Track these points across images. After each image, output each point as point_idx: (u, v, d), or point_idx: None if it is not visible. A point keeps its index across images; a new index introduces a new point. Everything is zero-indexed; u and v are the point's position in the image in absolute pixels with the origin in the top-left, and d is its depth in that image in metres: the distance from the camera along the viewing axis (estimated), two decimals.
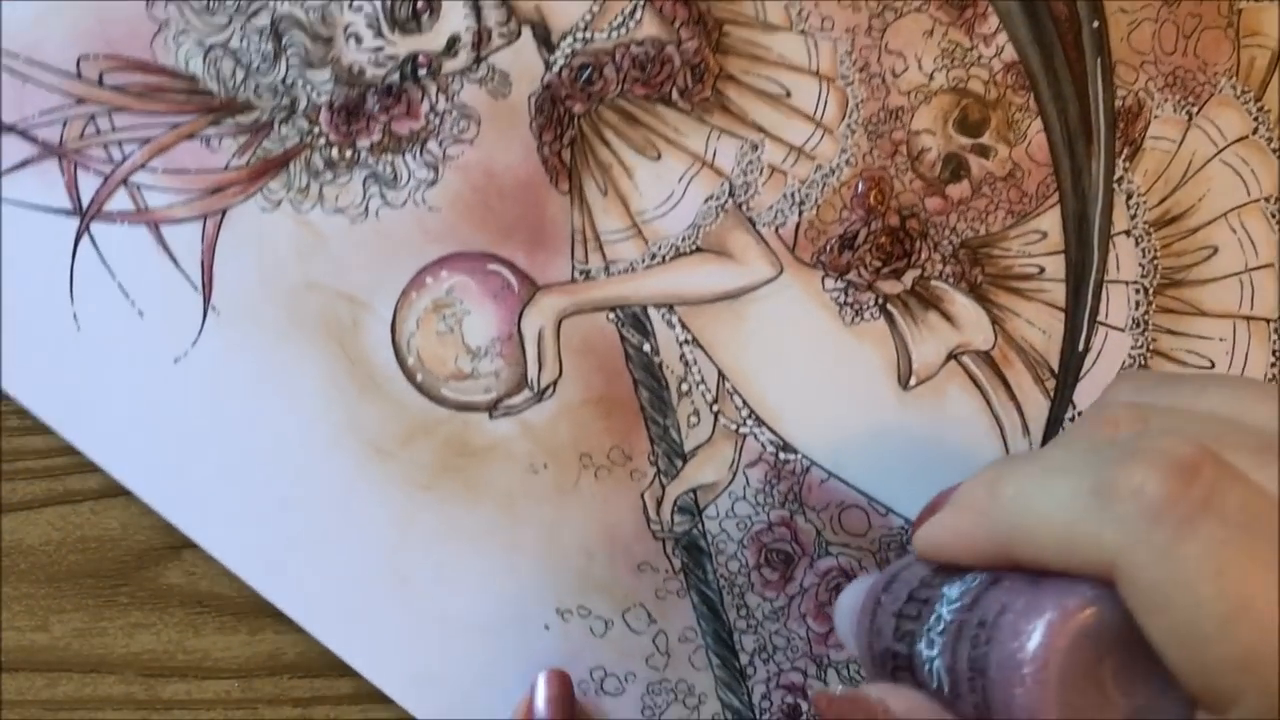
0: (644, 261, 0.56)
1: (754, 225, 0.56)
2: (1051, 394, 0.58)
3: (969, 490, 0.40)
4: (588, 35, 0.55)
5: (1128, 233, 0.58)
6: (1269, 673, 0.32)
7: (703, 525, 0.57)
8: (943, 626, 0.38)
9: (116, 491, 0.55)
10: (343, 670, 0.56)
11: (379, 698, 0.56)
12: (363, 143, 0.54)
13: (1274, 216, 0.59)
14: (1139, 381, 0.43)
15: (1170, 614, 0.34)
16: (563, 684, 0.56)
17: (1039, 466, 0.38)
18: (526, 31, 0.55)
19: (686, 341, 0.56)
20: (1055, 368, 0.58)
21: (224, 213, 0.54)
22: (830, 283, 0.57)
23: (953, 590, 0.39)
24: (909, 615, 0.40)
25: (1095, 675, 0.35)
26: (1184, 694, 0.34)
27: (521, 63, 0.55)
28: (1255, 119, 0.59)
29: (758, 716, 0.57)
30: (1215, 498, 0.34)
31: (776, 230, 0.56)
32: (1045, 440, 0.58)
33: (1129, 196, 0.58)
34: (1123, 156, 0.58)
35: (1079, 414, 0.58)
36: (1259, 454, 0.36)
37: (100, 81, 0.53)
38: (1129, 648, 0.35)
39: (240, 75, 0.54)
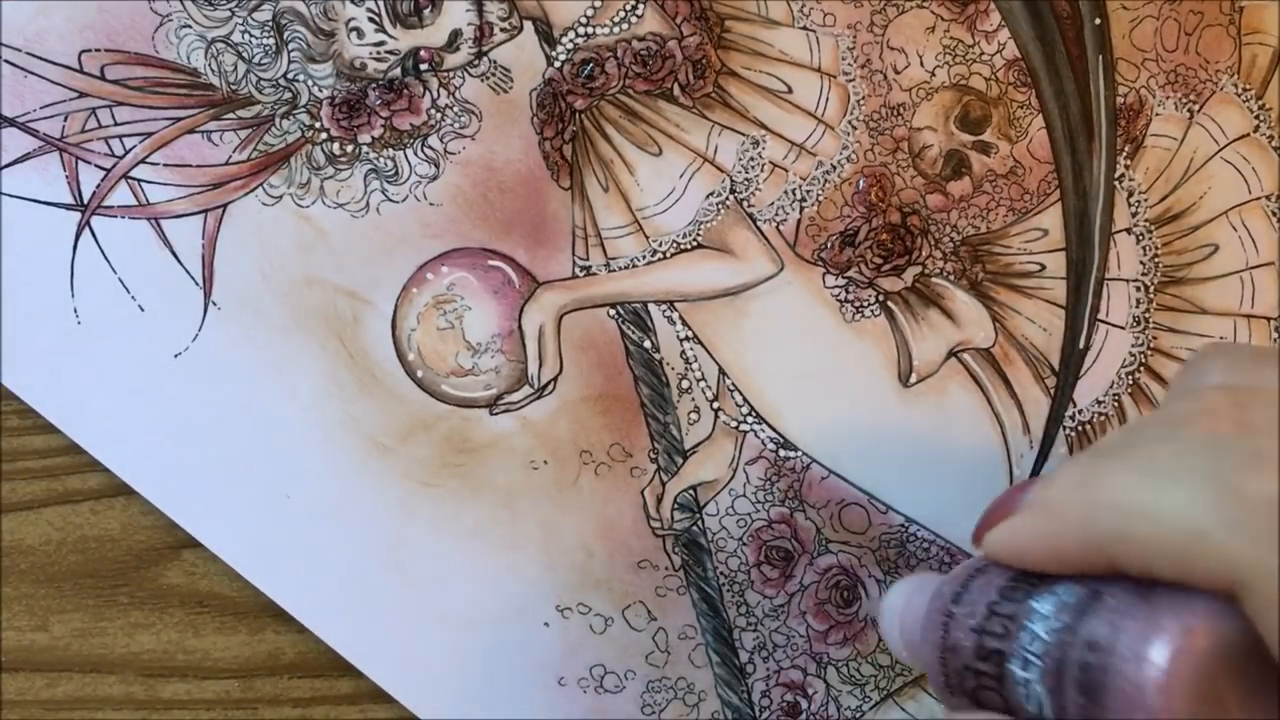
0: (645, 258, 0.56)
1: (755, 222, 0.56)
2: (1052, 391, 0.58)
3: (1054, 493, 0.38)
4: (589, 30, 0.55)
5: (1129, 230, 0.58)
6: None
7: (703, 522, 0.57)
8: (1041, 647, 0.36)
9: (116, 491, 0.55)
10: (342, 670, 0.56)
11: (378, 697, 0.56)
12: (364, 138, 0.54)
13: (1274, 214, 0.59)
14: (1229, 359, 0.40)
15: None
16: None
17: (1143, 469, 0.36)
18: (528, 26, 0.55)
19: (687, 338, 0.56)
20: (1056, 365, 0.58)
21: (225, 207, 0.54)
22: (831, 280, 0.57)
23: (1045, 605, 0.37)
24: (994, 633, 0.38)
25: (1220, 696, 0.33)
26: None
27: (523, 58, 0.55)
28: (1256, 117, 0.59)
29: (757, 714, 0.57)
30: None
31: (777, 227, 0.56)
32: (1045, 439, 0.58)
33: (1130, 194, 0.58)
34: (1124, 154, 0.58)
35: (1079, 411, 0.58)
36: None
37: (102, 75, 0.53)
38: (1257, 665, 0.33)
39: (242, 69, 0.54)
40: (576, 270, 0.56)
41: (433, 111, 0.55)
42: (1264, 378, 0.38)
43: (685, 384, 0.56)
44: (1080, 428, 0.58)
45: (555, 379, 0.56)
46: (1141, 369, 0.58)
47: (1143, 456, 0.36)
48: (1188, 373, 0.41)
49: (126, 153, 0.53)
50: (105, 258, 0.53)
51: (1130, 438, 0.38)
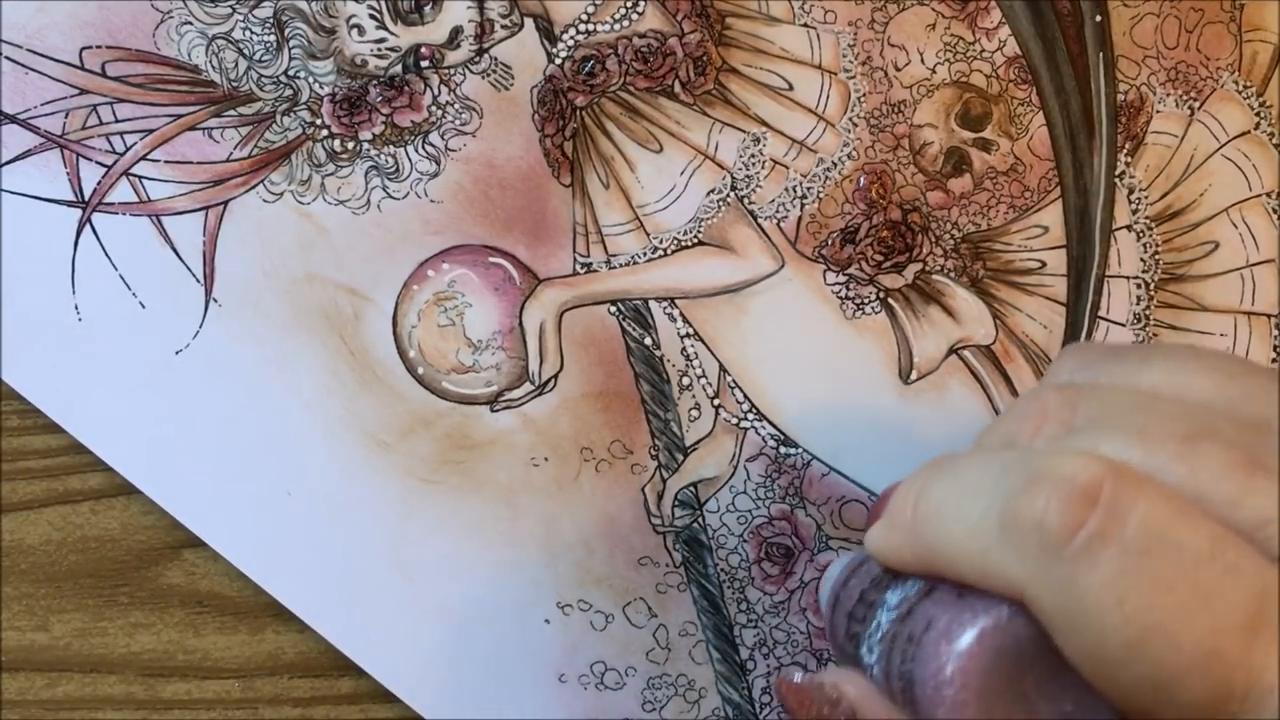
0: (645, 255, 0.56)
1: (756, 219, 0.56)
2: None
3: (899, 500, 0.40)
4: (590, 27, 0.55)
5: (1129, 228, 0.58)
6: (1181, 693, 0.33)
7: (703, 519, 0.57)
8: (880, 634, 0.39)
9: (116, 491, 0.55)
10: (343, 670, 0.56)
11: (379, 697, 0.56)
12: (365, 134, 0.54)
13: (1275, 212, 0.59)
14: (1083, 356, 0.43)
15: (1079, 640, 0.34)
16: None
17: (956, 483, 0.39)
18: (529, 23, 0.55)
19: (688, 335, 0.56)
20: None
21: (226, 204, 0.54)
22: (832, 277, 0.57)
23: (893, 597, 0.40)
24: (857, 617, 0.41)
25: (1018, 688, 0.36)
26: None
27: (524, 55, 0.55)
28: (1257, 114, 0.59)
29: (758, 711, 0.57)
30: (1114, 524, 0.34)
31: (778, 224, 0.56)
32: None
33: (1130, 191, 0.58)
34: (1124, 151, 0.58)
35: None
36: (1184, 444, 0.36)
37: (103, 72, 0.53)
38: (1051, 659, 0.36)
39: (243, 66, 0.54)
40: (577, 267, 0.56)
41: (434, 108, 0.55)
42: (1106, 373, 0.41)
43: (686, 381, 0.56)
44: None
45: (556, 376, 0.56)
46: None
47: (961, 470, 0.39)
48: (1048, 372, 0.45)
49: (127, 149, 0.53)
50: (106, 255, 0.53)
51: (975, 443, 0.43)
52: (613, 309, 0.56)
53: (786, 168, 0.56)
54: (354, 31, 0.54)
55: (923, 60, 0.57)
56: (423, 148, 0.55)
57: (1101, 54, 0.57)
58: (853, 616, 0.41)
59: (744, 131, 0.56)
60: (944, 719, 0.36)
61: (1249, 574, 0.34)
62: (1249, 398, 0.39)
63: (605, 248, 0.56)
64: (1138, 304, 0.58)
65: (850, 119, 0.56)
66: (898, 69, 0.57)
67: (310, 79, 0.54)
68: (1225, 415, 0.38)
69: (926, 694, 0.36)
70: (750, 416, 0.57)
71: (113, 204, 0.53)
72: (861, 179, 0.56)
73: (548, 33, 0.55)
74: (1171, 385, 0.39)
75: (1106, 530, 0.34)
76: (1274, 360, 0.59)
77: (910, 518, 0.39)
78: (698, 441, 0.57)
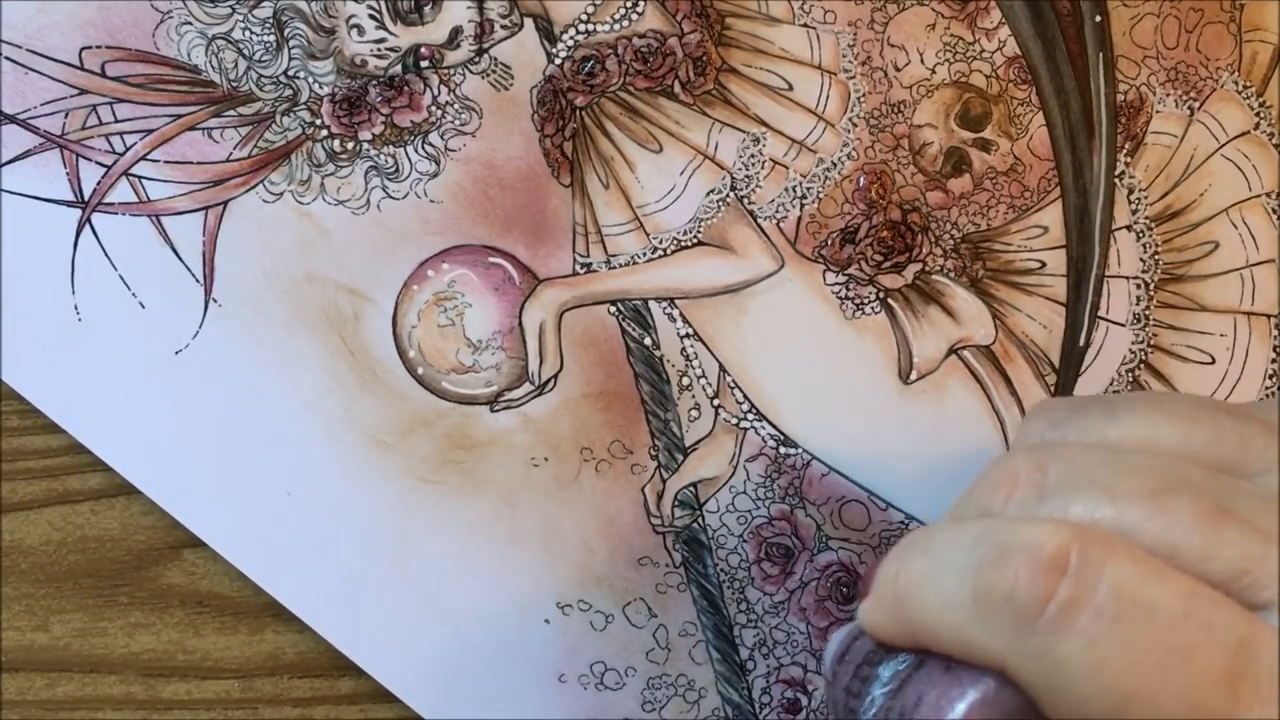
0: (645, 255, 0.56)
1: (755, 219, 0.56)
2: (1052, 389, 0.58)
3: (881, 577, 0.40)
4: (590, 27, 0.55)
5: (1129, 228, 0.58)
6: None
7: (703, 519, 0.57)
8: (875, 710, 0.39)
9: (116, 491, 0.55)
10: (343, 670, 0.56)
11: (379, 697, 0.56)
12: (364, 135, 0.54)
13: (1275, 212, 0.59)
14: (1052, 414, 0.43)
15: (1064, 709, 0.35)
16: None
17: (930, 558, 0.39)
18: (529, 23, 0.55)
19: (688, 335, 0.56)
20: (1056, 363, 0.58)
21: (226, 204, 0.54)
22: (831, 277, 0.57)
23: (885, 671, 0.40)
24: (853, 692, 0.41)
25: None
26: None
27: (524, 55, 0.55)
28: (1257, 114, 0.59)
29: (758, 711, 0.57)
30: (1084, 592, 0.34)
31: (778, 224, 0.56)
32: None
33: (1130, 191, 0.58)
34: (1124, 151, 0.58)
35: None
36: (1151, 499, 0.36)
37: (102, 72, 0.53)
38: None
39: (242, 66, 0.54)
40: (577, 267, 0.56)
41: (433, 108, 0.55)
42: (1074, 430, 0.42)
43: (686, 381, 0.56)
44: None
45: (556, 376, 0.56)
46: (1142, 366, 0.58)
47: (934, 544, 0.39)
48: (1019, 433, 0.45)
49: (127, 150, 0.53)
50: (106, 255, 0.53)
51: (950, 513, 0.43)
52: (613, 309, 0.56)
53: (786, 168, 0.56)
54: (354, 31, 0.54)
55: (923, 60, 0.57)
56: (422, 148, 0.55)
57: (1101, 54, 0.57)
58: (849, 691, 0.41)
59: (744, 131, 0.56)
60: None
61: (1224, 627, 0.34)
62: (1217, 440, 0.39)
63: (605, 248, 0.56)
64: (1138, 304, 0.58)
65: (850, 119, 0.56)
66: (898, 69, 0.57)
67: (310, 79, 0.54)
68: (1194, 462, 0.38)
69: None
70: (750, 416, 0.57)
71: (113, 204, 0.53)
72: (861, 179, 0.56)
73: (547, 33, 0.55)
74: (1138, 437, 0.40)
75: (1077, 598, 0.34)
76: (1274, 361, 0.59)
77: (891, 595, 0.39)
78: (698, 441, 0.57)
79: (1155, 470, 0.37)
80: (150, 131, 0.54)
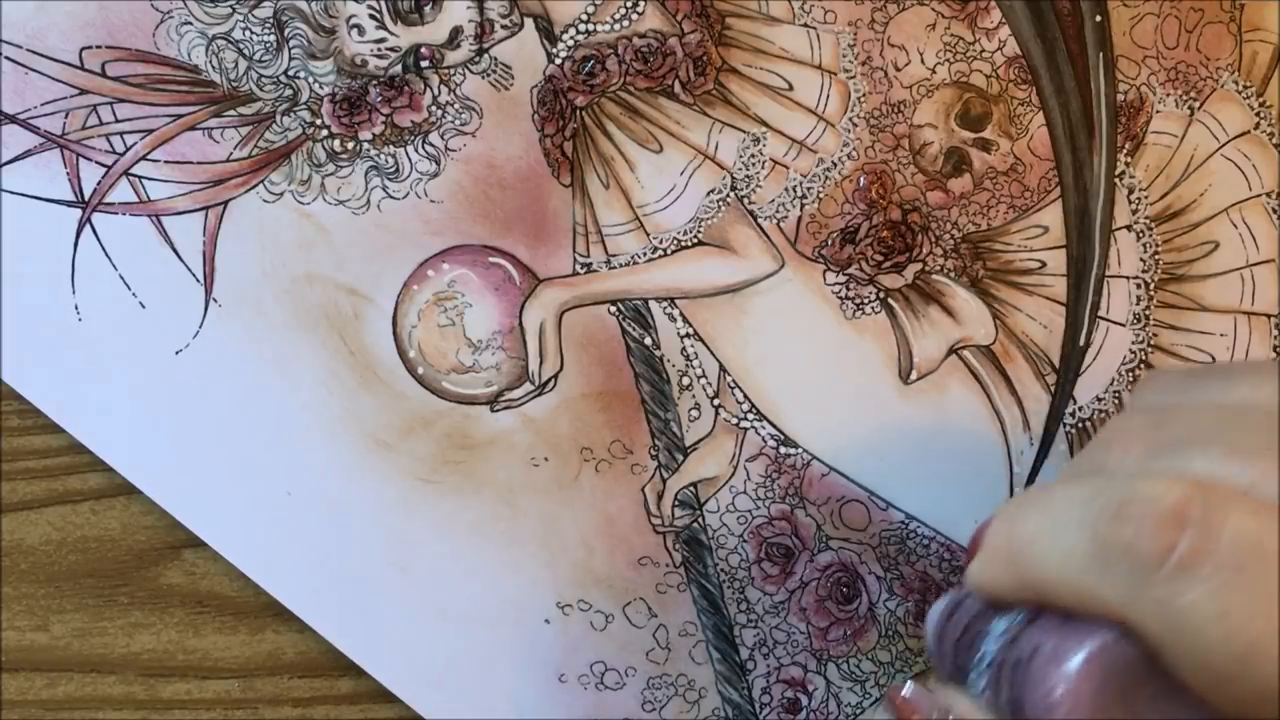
0: (645, 255, 0.56)
1: (756, 219, 0.56)
2: (1052, 389, 0.58)
3: (994, 535, 0.40)
4: (590, 27, 0.55)
5: (1129, 228, 0.58)
6: None
7: (703, 519, 0.57)
8: (988, 662, 0.39)
9: (116, 491, 0.55)
10: (343, 670, 0.56)
11: (379, 697, 0.56)
12: (365, 134, 0.54)
13: (1275, 212, 0.59)
14: (1166, 380, 0.43)
15: (1185, 659, 0.34)
16: None
17: (1047, 514, 0.39)
18: (529, 23, 0.55)
19: (688, 335, 0.56)
20: (1056, 363, 0.58)
21: (226, 204, 0.54)
22: (832, 277, 0.57)
23: (999, 626, 0.40)
24: (964, 646, 0.41)
25: (1129, 708, 0.36)
26: None
27: (524, 55, 0.55)
28: (1257, 114, 0.59)
29: (758, 711, 0.57)
30: (1206, 542, 0.34)
31: (778, 224, 0.56)
32: (1045, 436, 0.58)
33: (1130, 191, 0.58)
34: (1124, 151, 0.58)
35: (1080, 409, 0.58)
36: (1270, 457, 0.36)
37: (103, 72, 0.53)
38: (1160, 677, 0.35)
39: (243, 66, 0.54)
40: (577, 267, 0.56)
41: (434, 108, 0.55)
42: (1190, 394, 0.41)
43: (686, 381, 0.56)
44: (1081, 425, 0.58)
45: (556, 376, 0.56)
46: (1142, 366, 0.58)
47: (1052, 499, 0.39)
48: (1131, 398, 0.45)
49: (127, 149, 0.53)
50: (106, 254, 0.53)
51: (1066, 470, 0.43)
52: (613, 309, 0.56)
53: (786, 168, 0.56)
54: (354, 31, 0.54)
55: (923, 60, 0.57)
56: (423, 148, 0.55)
57: (1101, 54, 0.57)
58: (959, 648, 0.41)
59: (744, 131, 0.56)
60: None
61: None
62: None
63: (605, 248, 0.56)
64: (1138, 304, 0.58)
65: (850, 119, 0.56)
66: (898, 69, 0.57)
67: (310, 79, 0.54)
68: None
69: (1037, 717, 0.36)
70: (750, 416, 0.57)
71: (113, 204, 0.54)
72: (861, 179, 0.56)
73: (548, 33, 0.55)
74: (1258, 400, 0.39)
75: (1199, 549, 0.34)
76: (1274, 360, 0.59)
77: (1006, 551, 0.39)
78: (698, 441, 0.57)
79: (1275, 429, 0.37)
80: (150, 131, 0.54)
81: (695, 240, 0.56)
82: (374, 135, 0.54)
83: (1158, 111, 0.58)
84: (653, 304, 0.56)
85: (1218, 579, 0.34)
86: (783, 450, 0.57)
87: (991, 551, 0.40)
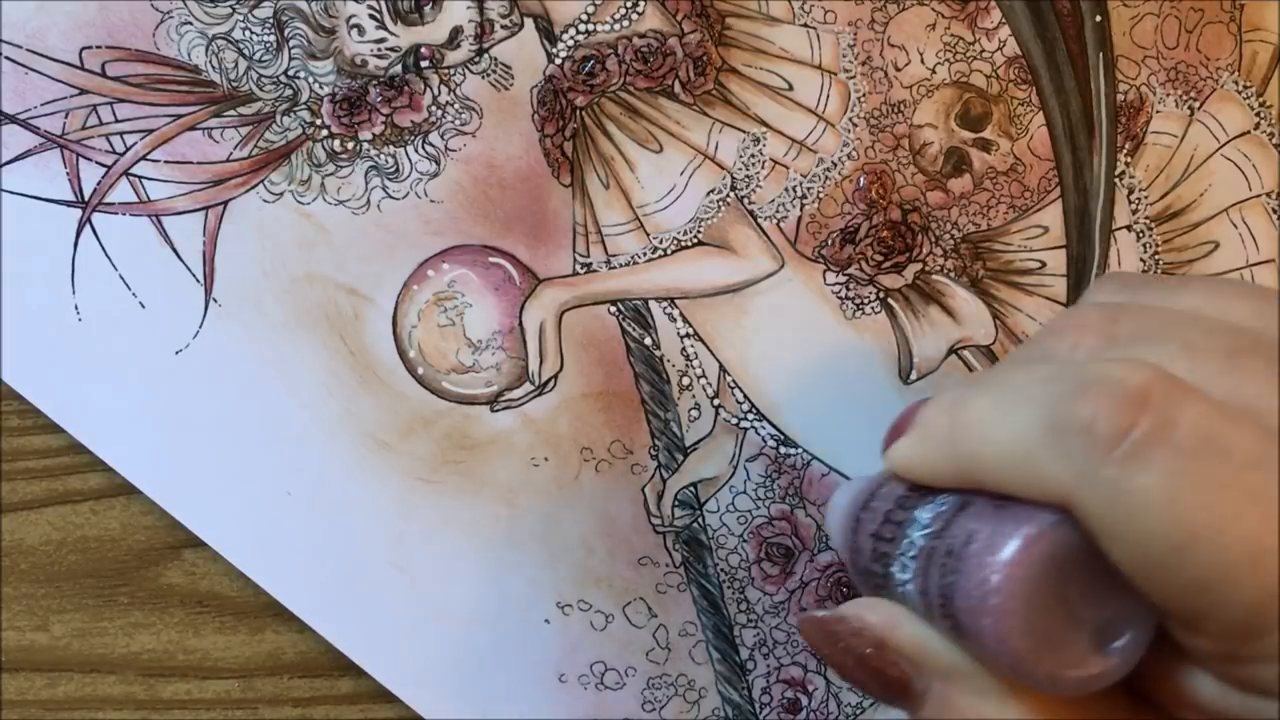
0: (645, 255, 0.56)
1: (756, 219, 0.56)
2: None
3: (933, 414, 0.40)
4: (590, 27, 0.55)
5: (1129, 228, 0.58)
6: (1230, 592, 0.33)
7: (703, 519, 0.57)
8: (915, 551, 0.39)
9: (116, 491, 0.55)
10: (343, 670, 0.56)
11: (379, 697, 0.56)
12: (365, 135, 0.54)
13: (1275, 212, 0.59)
14: (1121, 280, 0.43)
15: (1126, 544, 0.34)
16: None
17: (998, 393, 0.38)
18: (529, 23, 0.55)
19: (688, 335, 0.56)
20: None
21: (226, 204, 0.54)
22: (832, 277, 0.57)
23: (924, 514, 0.39)
24: (884, 537, 0.40)
25: (1062, 596, 0.36)
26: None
27: (524, 55, 0.55)
28: (1257, 114, 0.59)
29: (758, 711, 0.57)
30: (1165, 427, 0.34)
31: (778, 224, 0.56)
32: None
33: (1130, 191, 0.58)
34: (1124, 151, 0.58)
35: None
36: (1228, 358, 0.36)
37: (103, 72, 0.53)
38: (1093, 565, 0.35)
39: (243, 66, 0.54)
40: (577, 267, 0.56)
41: (433, 108, 0.55)
42: (1145, 295, 0.41)
43: (686, 381, 0.56)
44: None
45: (556, 376, 0.56)
46: None
47: (1003, 380, 0.39)
48: (1085, 295, 0.44)
49: (127, 149, 0.53)
50: (106, 254, 0.53)
51: (1010, 358, 0.42)
52: (613, 309, 0.56)
53: (786, 168, 0.56)
54: (354, 31, 0.54)
55: (923, 60, 0.57)
56: (423, 148, 0.55)
57: (1101, 54, 0.57)
58: (879, 537, 0.41)
59: (744, 131, 0.56)
60: (989, 628, 0.36)
61: None
62: None
63: (605, 248, 0.56)
64: None
65: (850, 119, 0.56)
66: (898, 69, 0.57)
67: (310, 79, 0.54)
68: (1265, 336, 0.38)
69: (971, 605, 0.36)
70: (750, 416, 0.57)
71: (113, 204, 0.53)
72: (861, 179, 0.57)
73: (548, 33, 0.55)
74: (1211, 308, 0.39)
75: (1157, 433, 0.34)
76: None
77: (946, 431, 0.39)
78: (698, 441, 0.57)
79: (1230, 333, 0.37)
80: (150, 131, 0.54)
81: (695, 240, 0.56)
82: (374, 135, 0.54)
83: (1158, 111, 0.58)
84: (653, 304, 0.56)
85: (1171, 465, 0.34)
86: (783, 450, 0.57)
87: (928, 431, 0.40)
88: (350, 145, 0.54)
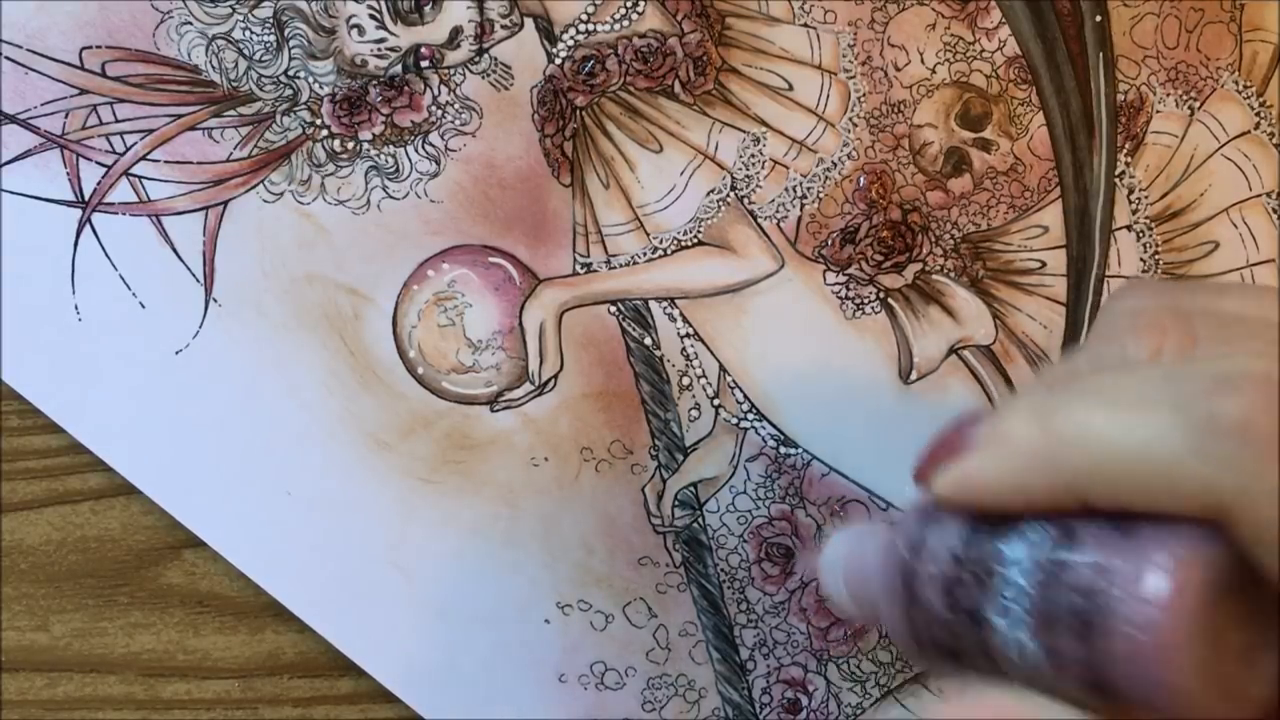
0: (645, 255, 0.56)
1: (756, 219, 0.56)
2: None
3: (1011, 428, 0.36)
4: (590, 27, 0.55)
5: (1129, 228, 0.58)
6: None
7: (703, 519, 0.57)
8: (1021, 595, 0.34)
9: (116, 491, 0.55)
10: (343, 670, 0.56)
11: (379, 697, 0.56)
12: (365, 135, 0.54)
13: (1275, 212, 0.59)
14: (1149, 287, 0.41)
15: None
16: None
17: (1105, 399, 0.35)
18: (529, 23, 0.55)
19: (688, 335, 0.56)
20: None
21: (226, 204, 0.54)
22: (832, 277, 0.57)
23: (1016, 550, 0.34)
24: (965, 582, 0.35)
25: (1220, 623, 0.32)
26: None
27: (524, 55, 0.55)
28: (1257, 114, 0.59)
29: (758, 711, 0.57)
30: None
31: (778, 224, 0.56)
32: None
33: (1130, 191, 0.58)
34: (1124, 151, 0.58)
35: None
36: None
37: (103, 72, 0.53)
38: (1245, 589, 0.32)
39: (243, 66, 0.54)
40: (577, 267, 0.56)
41: (434, 108, 0.55)
42: (1187, 300, 0.38)
43: (686, 381, 0.56)
44: None
45: (556, 376, 0.56)
46: None
47: (1104, 388, 0.35)
48: (1104, 309, 0.40)
49: (127, 149, 0.53)
50: (106, 254, 0.53)
51: (1079, 368, 0.38)
52: (613, 309, 0.56)
53: (786, 168, 0.56)
54: (354, 31, 0.54)
55: (923, 60, 0.57)
56: (423, 148, 0.55)
57: (1102, 54, 0.57)
58: (958, 583, 0.35)
59: (744, 131, 0.56)
60: (1156, 670, 0.31)
61: None
62: None
63: (605, 248, 0.56)
64: None
65: (850, 119, 0.56)
66: (898, 69, 0.57)
67: (310, 79, 0.54)
68: None
69: (1128, 645, 0.32)
70: (750, 416, 0.57)
71: (113, 204, 0.53)
72: (861, 179, 0.56)
73: (548, 33, 0.55)
74: (1258, 311, 0.37)
75: None
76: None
77: (1040, 441, 0.35)
78: (698, 441, 0.57)
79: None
80: (150, 131, 0.54)
81: (695, 240, 0.56)
82: (374, 135, 0.54)
83: (1158, 111, 0.58)
84: (653, 304, 0.56)
85: None
86: (783, 450, 0.57)
87: (1012, 446, 0.35)
88: (350, 145, 0.54)
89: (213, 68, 0.54)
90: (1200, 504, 0.32)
